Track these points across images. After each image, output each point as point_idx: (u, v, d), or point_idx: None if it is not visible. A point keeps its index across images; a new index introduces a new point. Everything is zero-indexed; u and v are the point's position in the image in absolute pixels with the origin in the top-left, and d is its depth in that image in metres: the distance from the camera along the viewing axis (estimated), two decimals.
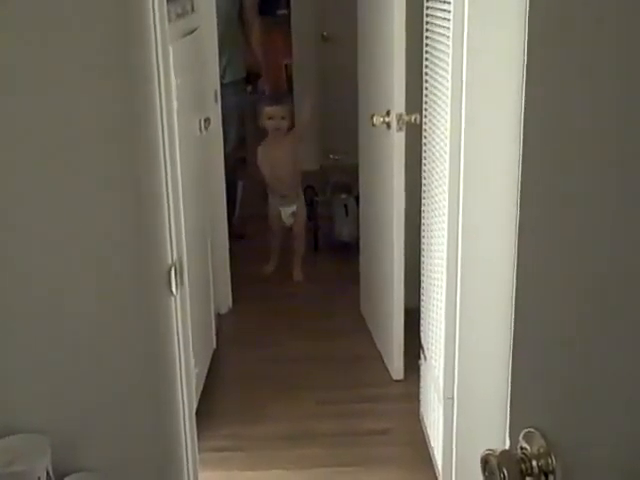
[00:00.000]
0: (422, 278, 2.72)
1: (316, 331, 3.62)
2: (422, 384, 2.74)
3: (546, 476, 0.96)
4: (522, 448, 1.01)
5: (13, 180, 1.52)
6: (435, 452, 2.48)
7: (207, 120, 3.41)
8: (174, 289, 1.67)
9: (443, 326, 2.27)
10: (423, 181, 2.71)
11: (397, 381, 3.13)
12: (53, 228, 1.56)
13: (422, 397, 2.75)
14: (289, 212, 4.24)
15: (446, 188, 2.25)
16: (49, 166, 1.53)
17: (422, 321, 2.71)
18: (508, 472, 0.97)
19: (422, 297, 2.72)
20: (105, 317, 1.62)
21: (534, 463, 0.97)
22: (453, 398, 2.26)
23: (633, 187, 0.77)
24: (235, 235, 4.27)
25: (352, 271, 3.92)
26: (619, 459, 0.83)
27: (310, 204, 4.78)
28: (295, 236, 4.28)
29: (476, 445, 2.26)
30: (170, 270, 1.66)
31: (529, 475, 0.98)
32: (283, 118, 4.05)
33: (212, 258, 3.50)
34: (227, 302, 3.87)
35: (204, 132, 3.38)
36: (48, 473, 1.64)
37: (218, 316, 3.69)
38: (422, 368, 2.72)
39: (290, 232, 4.30)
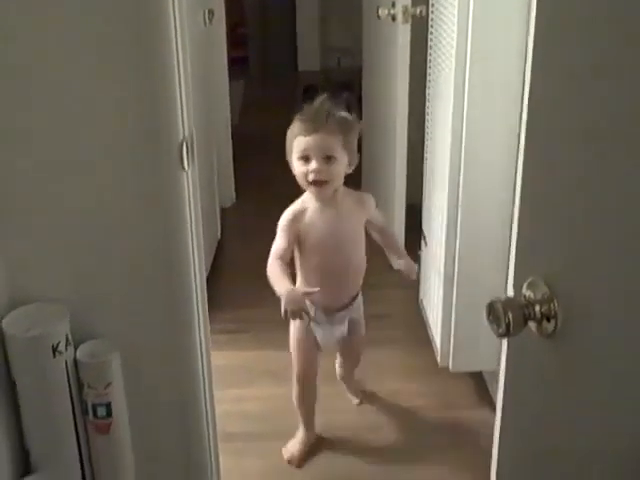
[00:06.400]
0: (425, 169, 2.77)
1: None
2: (422, 269, 2.82)
3: (548, 320, 1.03)
4: (525, 296, 1.08)
5: (15, 53, 1.52)
6: (434, 333, 2.58)
7: (211, 12, 3.38)
8: (186, 164, 1.71)
9: (445, 204, 2.34)
10: (428, 77, 2.72)
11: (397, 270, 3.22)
12: (64, 103, 1.58)
13: (422, 283, 2.84)
14: (337, 335, 2.28)
15: (452, 81, 2.26)
16: (53, 39, 1.53)
17: (424, 207, 2.77)
18: (513, 316, 1.04)
19: (424, 185, 2.78)
20: (120, 189, 1.66)
21: (537, 308, 1.04)
22: (453, 278, 2.34)
23: None
24: None
25: (354, 169, 3.96)
26: (617, 306, 0.89)
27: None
28: (350, 362, 2.53)
29: (474, 324, 2.37)
30: (182, 145, 1.69)
31: (532, 319, 1.05)
32: (328, 160, 2.04)
33: (216, 154, 3.54)
34: (231, 196, 3.92)
35: (208, 25, 3.36)
36: (67, 338, 1.72)
37: (222, 210, 3.75)
38: (423, 254, 2.80)
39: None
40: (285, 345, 2.67)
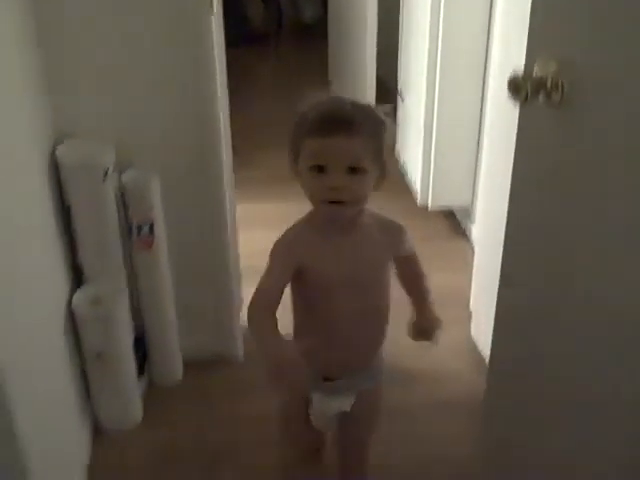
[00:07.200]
0: (401, 18, 2.99)
1: (288, 95, 3.93)
2: (399, 123, 3.10)
3: (556, 90, 1.31)
4: (538, 72, 1.35)
5: None
6: (413, 178, 2.89)
7: None
8: (215, 7, 1.94)
9: (426, 50, 2.58)
10: None
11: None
12: None
13: (399, 136, 3.09)
14: (333, 409, 1.59)
15: None
16: None
17: (400, 63, 3.01)
18: (531, 85, 1.31)
19: (400, 36, 3.00)
20: (159, 31, 1.88)
21: (548, 82, 1.31)
22: (432, 123, 2.63)
23: None
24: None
25: (318, 49, 4.16)
26: (616, 82, 1.11)
27: None
28: (347, 457, 1.75)
29: (450, 164, 2.68)
30: None
31: (543, 91, 1.32)
32: (353, 173, 1.35)
33: None
34: None
35: None
36: (114, 167, 1.95)
37: None
38: (399, 111, 3.08)
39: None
40: (276, 197, 2.93)
